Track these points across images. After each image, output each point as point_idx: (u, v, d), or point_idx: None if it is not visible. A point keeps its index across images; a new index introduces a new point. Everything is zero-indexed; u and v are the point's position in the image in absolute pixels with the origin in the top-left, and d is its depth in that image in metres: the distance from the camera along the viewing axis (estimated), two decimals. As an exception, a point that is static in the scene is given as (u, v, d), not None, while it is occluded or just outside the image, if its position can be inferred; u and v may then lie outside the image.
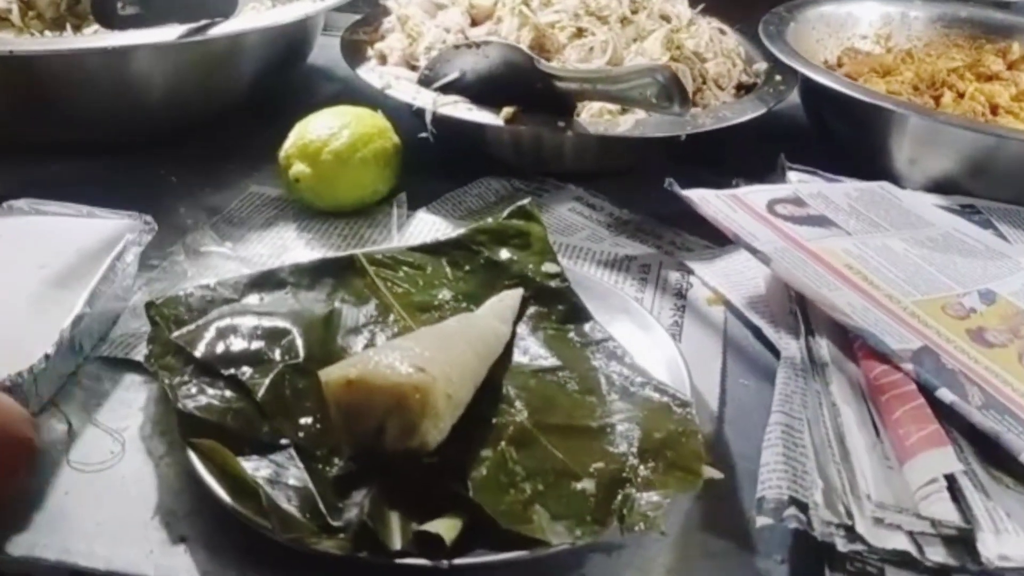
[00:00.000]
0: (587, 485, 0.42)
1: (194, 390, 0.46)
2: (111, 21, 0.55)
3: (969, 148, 0.67)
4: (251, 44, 0.68)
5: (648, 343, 0.53)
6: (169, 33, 0.61)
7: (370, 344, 0.51)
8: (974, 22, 0.92)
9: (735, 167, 0.73)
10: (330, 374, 0.42)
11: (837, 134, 0.76)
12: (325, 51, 0.89)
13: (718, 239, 0.63)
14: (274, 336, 0.50)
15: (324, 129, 0.64)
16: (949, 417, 0.45)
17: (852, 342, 0.50)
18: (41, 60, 0.59)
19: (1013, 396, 0.47)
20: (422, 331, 0.49)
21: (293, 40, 0.75)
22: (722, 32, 0.81)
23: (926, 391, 0.45)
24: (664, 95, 0.57)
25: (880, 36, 0.91)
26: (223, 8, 0.64)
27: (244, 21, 0.65)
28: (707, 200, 0.59)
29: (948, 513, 0.40)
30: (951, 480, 0.41)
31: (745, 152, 0.75)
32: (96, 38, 0.58)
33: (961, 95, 0.78)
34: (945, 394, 0.45)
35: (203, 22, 0.63)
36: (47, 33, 0.66)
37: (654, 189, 0.64)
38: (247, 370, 0.47)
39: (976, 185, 0.69)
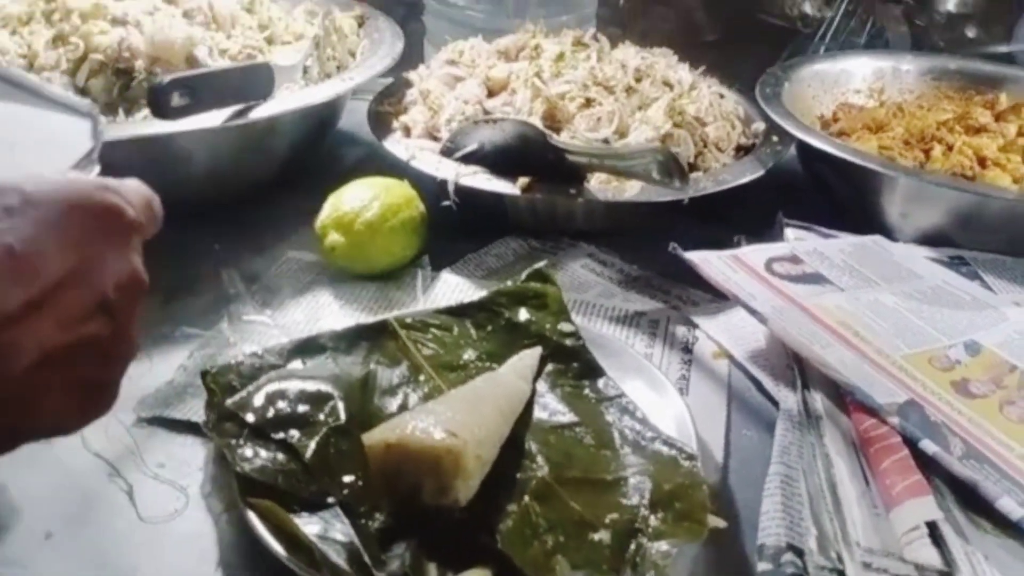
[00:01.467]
0: (603, 536, 0.46)
1: (249, 453, 0.51)
2: (165, 113, 0.61)
3: (955, 203, 0.72)
4: (287, 122, 0.73)
5: (657, 398, 0.57)
6: (214, 118, 0.67)
7: (403, 405, 0.56)
8: (963, 74, 0.97)
9: (737, 221, 0.78)
10: (372, 438, 0.48)
11: (832, 190, 0.81)
12: (351, 115, 0.94)
13: (721, 293, 0.68)
14: (317, 400, 0.55)
15: (356, 201, 0.70)
16: (932, 466, 0.49)
17: (844, 396, 0.55)
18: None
19: (992, 445, 0.51)
20: (452, 394, 0.54)
21: (325, 114, 0.81)
22: (721, 96, 0.86)
23: (911, 443, 0.50)
24: (664, 172, 0.63)
25: (873, 90, 0.97)
26: (262, 91, 0.70)
27: (280, 103, 0.71)
28: (708, 262, 0.64)
29: (931, 558, 0.44)
30: (933, 527, 0.45)
31: (747, 206, 0.80)
32: (149, 124, 0.64)
33: (950, 148, 0.83)
34: (928, 445, 0.49)
35: (243, 105, 0.69)
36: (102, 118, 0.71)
37: (661, 245, 0.69)
38: (295, 433, 0.52)
39: (964, 236, 0.73)
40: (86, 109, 0.51)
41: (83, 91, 0.73)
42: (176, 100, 0.61)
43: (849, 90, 0.96)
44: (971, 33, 1.19)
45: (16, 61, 0.74)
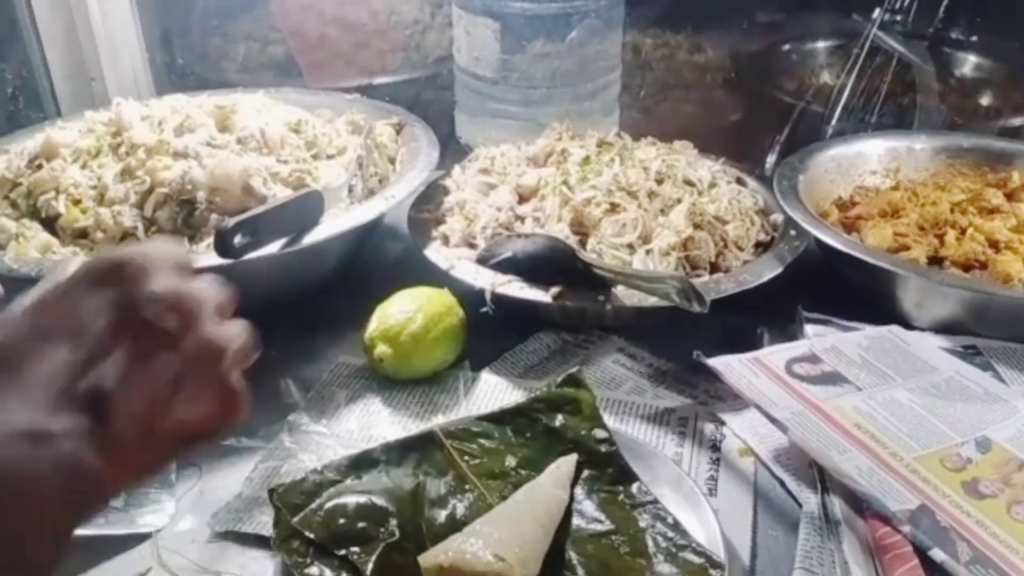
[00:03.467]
0: (639, 648, 0.51)
1: (315, 571, 0.56)
2: (230, 254, 0.67)
3: (965, 298, 0.76)
4: (336, 241, 0.80)
5: (686, 503, 0.62)
6: (272, 246, 0.73)
7: (452, 515, 0.61)
8: (977, 151, 1.01)
9: (760, 312, 0.83)
10: (427, 560, 0.53)
11: (850, 281, 0.85)
12: (391, 209, 1.01)
13: (745, 393, 0.72)
14: (374, 515, 0.60)
15: (401, 313, 0.76)
16: (942, 573, 0.53)
17: (861, 501, 0.59)
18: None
19: (999, 549, 0.55)
20: (497, 512, 0.59)
21: (369, 228, 0.87)
22: (740, 189, 0.91)
23: (921, 551, 0.54)
24: (684, 297, 0.68)
25: (889, 170, 1.00)
26: (314, 217, 0.77)
27: (331, 226, 0.78)
28: (731, 367, 0.69)
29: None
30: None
31: (769, 297, 0.84)
32: (212, 256, 0.70)
33: (964, 231, 0.87)
34: (937, 553, 0.53)
35: (296, 232, 0.75)
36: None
37: (688, 338, 0.74)
38: (355, 549, 0.58)
39: (978, 326, 0.77)
40: None
41: (151, 221, 0.80)
42: (239, 240, 0.68)
43: (865, 171, 1.00)
44: (986, 101, 1.23)
45: (87, 193, 0.82)
